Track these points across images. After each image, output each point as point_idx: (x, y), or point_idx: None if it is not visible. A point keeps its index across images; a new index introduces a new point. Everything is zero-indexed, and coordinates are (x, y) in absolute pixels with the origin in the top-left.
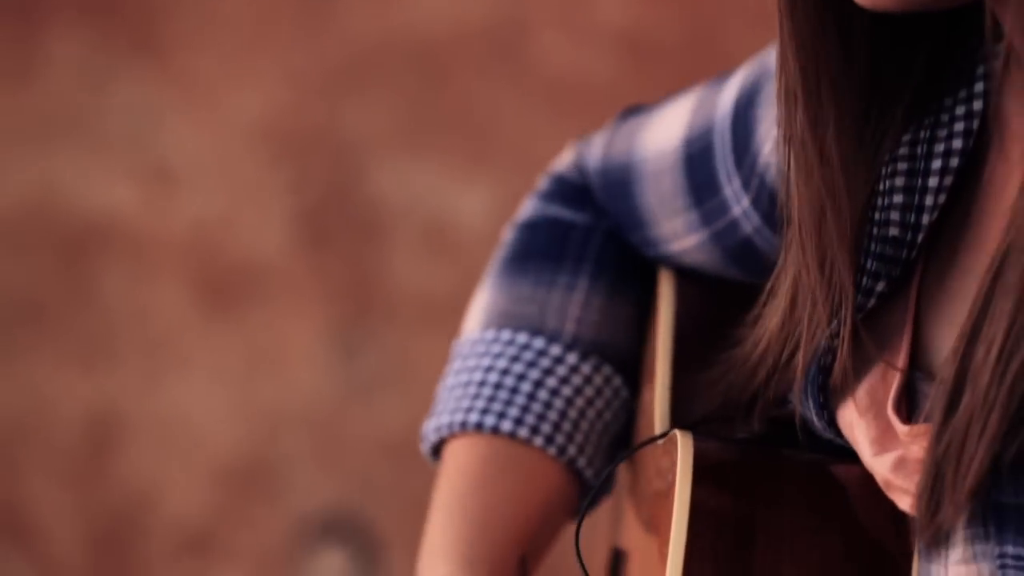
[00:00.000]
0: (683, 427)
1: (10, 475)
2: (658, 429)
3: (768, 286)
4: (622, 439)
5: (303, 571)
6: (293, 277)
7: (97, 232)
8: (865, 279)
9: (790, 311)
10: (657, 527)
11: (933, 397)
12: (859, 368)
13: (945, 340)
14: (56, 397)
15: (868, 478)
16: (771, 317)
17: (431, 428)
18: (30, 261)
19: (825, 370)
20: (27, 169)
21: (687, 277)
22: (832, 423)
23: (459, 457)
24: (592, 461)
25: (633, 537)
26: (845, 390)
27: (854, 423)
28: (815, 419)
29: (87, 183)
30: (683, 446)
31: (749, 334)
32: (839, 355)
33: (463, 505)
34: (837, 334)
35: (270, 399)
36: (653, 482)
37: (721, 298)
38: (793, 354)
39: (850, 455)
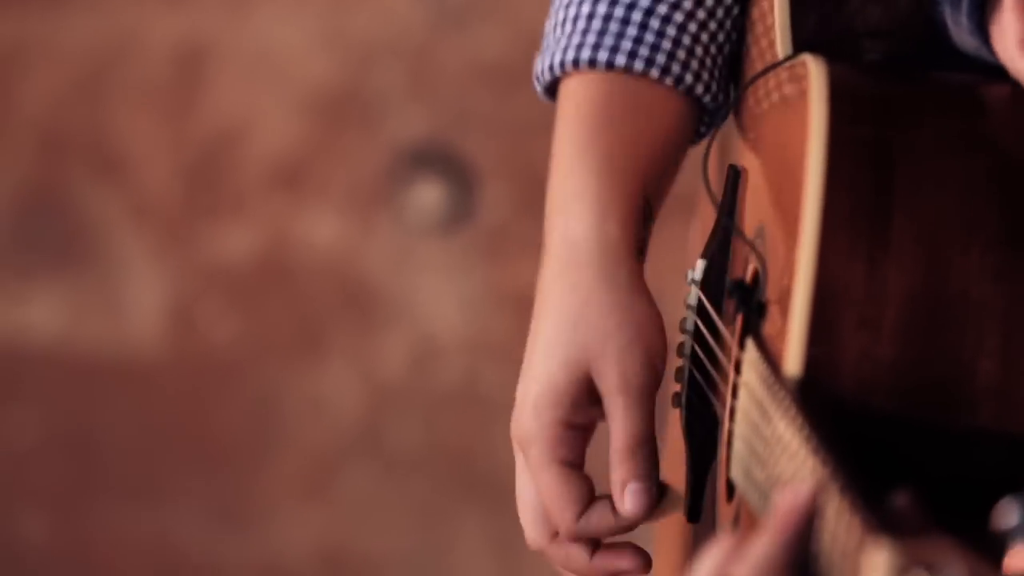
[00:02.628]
0: (809, 48)
1: (100, 110)
2: (780, 50)
3: None
4: (736, 59)
5: (398, 203)
6: None
7: None
8: None
9: None
10: (784, 150)
11: None
12: None
13: None
14: (143, 30)
15: (1012, 98)
16: None
17: (543, 67)
18: None
19: None
20: None
21: None
22: (982, 27)
23: (576, 97)
24: (709, 87)
25: (753, 157)
26: None
27: (1005, 21)
28: (966, 20)
29: None
30: (815, 72)
31: None
32: None
33: (587, 148)
34: None
35: (361, 28)
36: (777, 105)
37: None
38: None
39: (992, 73)
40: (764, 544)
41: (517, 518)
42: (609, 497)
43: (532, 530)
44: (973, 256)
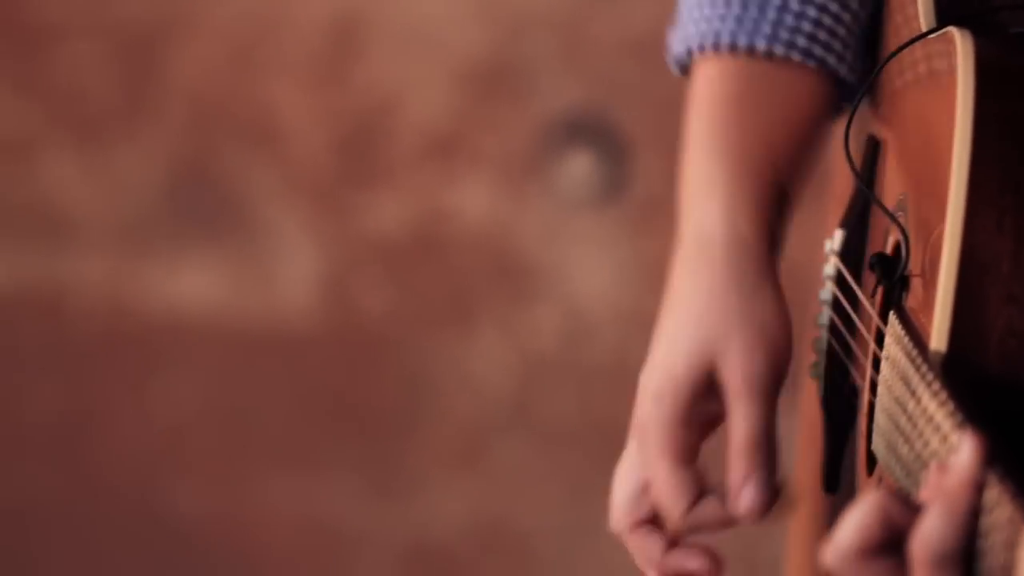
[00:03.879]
0: (951, 21)
1: (253, 81)
2: (923, 22)
3: None
4: (877, 33)
5: (549, 173)
6: None
7: None
8: None
9: None
10: (929, 123)
11: None
12: None
13: None
14: (297, 1)
15: None
16: None
17: (677, 40)
18: None
19: None
20: None
21: None
22: None
23: (711, 81)
24: (847, 61)
25: (893, 129)
26: None
27: None
28: None
29: None
30: (962, 46)
31: None
32: None
33: (720, 137)
34: None
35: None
36: (921, 78)
37: None
38: None
39: None
40: (937, 521)
41: None
42: (717, 492)
43: (620, 514)
44: None
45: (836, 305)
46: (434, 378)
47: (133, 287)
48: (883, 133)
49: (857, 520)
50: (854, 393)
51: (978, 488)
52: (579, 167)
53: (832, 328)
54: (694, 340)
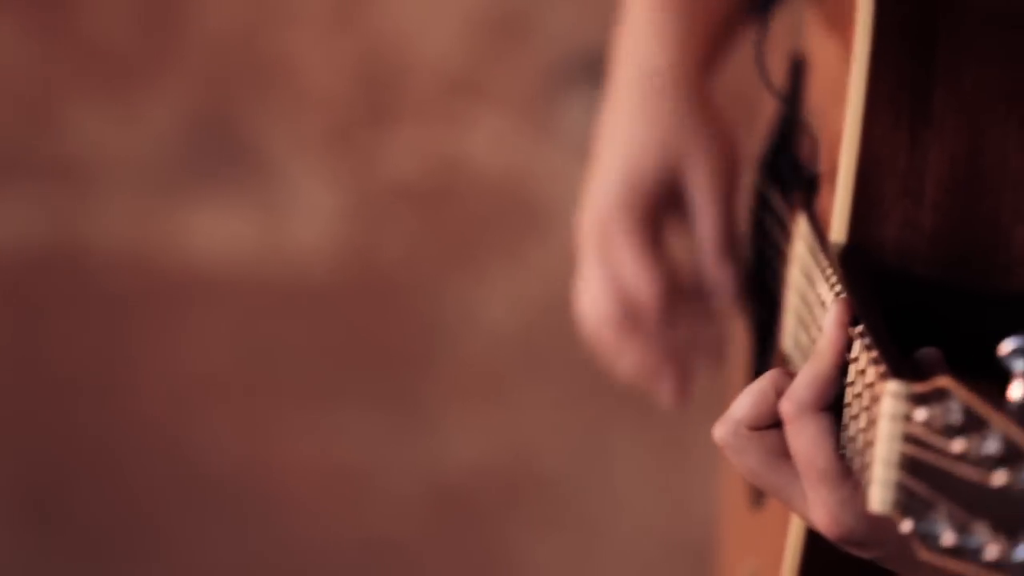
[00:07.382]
0: None
1: (271, 28)
2: None
3: None
4: None
5: (560, 114)
6: None
7: None
8: None
9: None
10: (840, 32)
11: None
12: None
13: None
14: None
15: None
16: None
17: None
18: None
19: None
20: None
21: None
22: None
23: None
24: None
25: (813, 42)
26: None
27: None
28: None
29: None
30: None
31: None
32: None
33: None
34: None
35: None
36: None
37: None
38: None
39: None
40: (803, 376)
41: (669, 422)
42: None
43: (607, 311)
44: (1012, 126)
45: (760, 223)
46: (449, 320)
47: (156, 237)
48: (805, 48)
49: (749, 395)
50: (778, 308)
51: (842, 345)
52: (589, 108)
53: (758, 247)
54: (651, 140)
